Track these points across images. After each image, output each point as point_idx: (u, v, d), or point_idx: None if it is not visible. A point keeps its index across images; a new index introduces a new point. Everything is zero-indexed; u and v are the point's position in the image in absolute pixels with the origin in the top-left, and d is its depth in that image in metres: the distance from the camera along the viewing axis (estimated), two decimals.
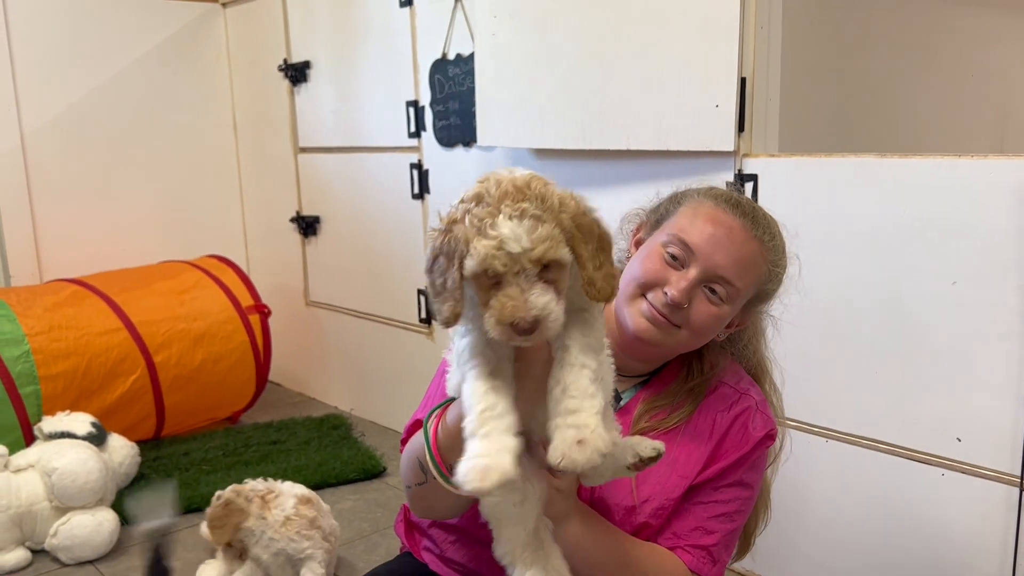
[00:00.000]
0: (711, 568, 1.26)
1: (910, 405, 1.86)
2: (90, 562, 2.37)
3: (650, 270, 1.22)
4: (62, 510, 2.38)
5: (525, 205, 0.86)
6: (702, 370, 1.31)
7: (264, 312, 3.41)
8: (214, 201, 3.97)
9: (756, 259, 1.23)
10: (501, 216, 0.85)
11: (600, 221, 0.93)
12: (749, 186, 2.04)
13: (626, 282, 1.25)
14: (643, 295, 1.23)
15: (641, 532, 1.26)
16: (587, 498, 1.27)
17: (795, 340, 2.02)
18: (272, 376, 3.64)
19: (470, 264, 0.86)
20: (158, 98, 3.77)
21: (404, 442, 1.34)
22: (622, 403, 1.32)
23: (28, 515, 2.36)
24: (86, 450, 2.46)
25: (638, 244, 1.31)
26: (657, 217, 1.30)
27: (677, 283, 1.19)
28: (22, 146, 3.40)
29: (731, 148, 2.02)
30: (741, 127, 2.01)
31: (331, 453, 3.08)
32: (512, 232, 0.84)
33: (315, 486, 2.84)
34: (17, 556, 2.34)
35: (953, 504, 1.81)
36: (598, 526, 1.19)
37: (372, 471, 2.97)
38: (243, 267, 3.78)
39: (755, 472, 1.32)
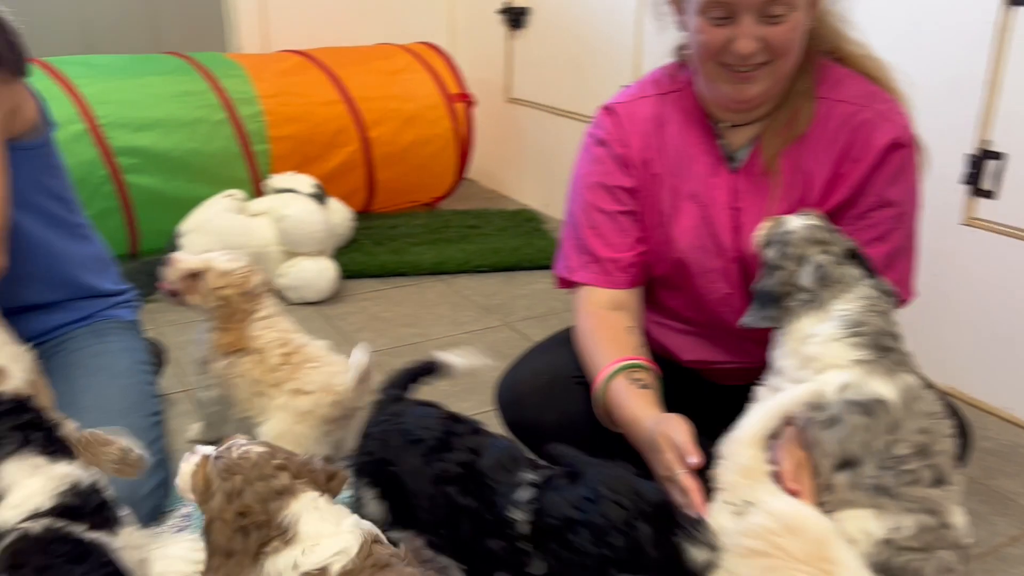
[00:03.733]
0: None
1: None
2: (312, 304, 2.62)
3: (709, 42, 1.24)
4: (289, 254, 2.62)
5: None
6: (803, 68, 1.31)
7: (469, 101, 3.46)
8: None
9: None
10: None
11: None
12: None
13: (699, 63, 1.29)
14: (720, 64, 1.25)
15: None
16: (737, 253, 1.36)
17: None
18: (466, 172, 3.73)
19: None
20: None
21: (563, 281, 1.49)
22: (740, 159, 1.35)
23: (262, 255, 2.61)
24: (311, 203, 2.66)
25: (679, 9, 1.31)
26: None
27: (741, 39, 1.20)
28: None
29: None
30: None
31: (525, 241, 3.17)
32: None
33: (510, 268, 2.98)
34: None
35: None
36: None
37: None
38: None
39: (897, 186, 1.29)
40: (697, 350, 1.48)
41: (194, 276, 1.60)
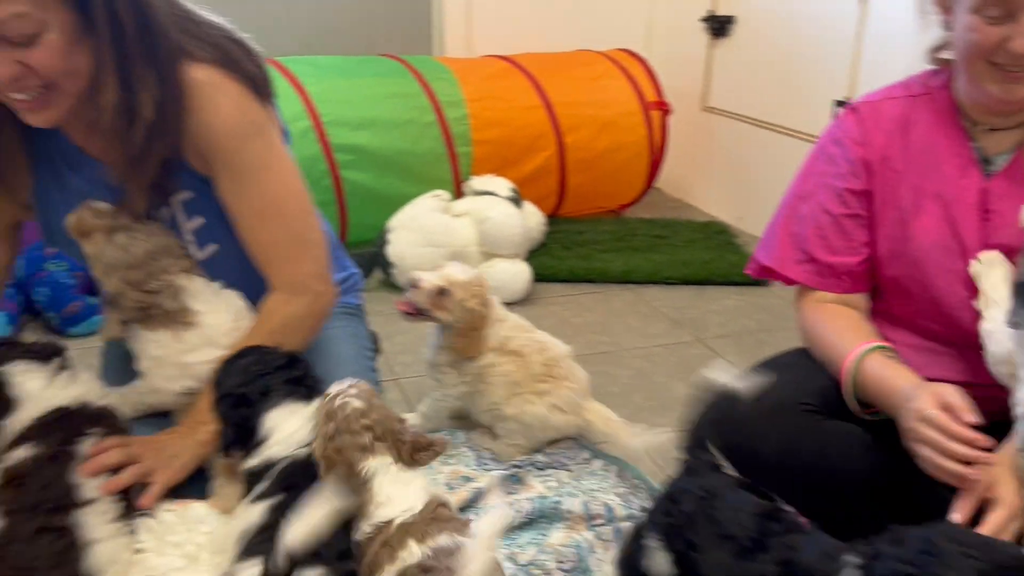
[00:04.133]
0: None
1: None
2: (506, 305, 2.68)
3: (982, 41, 1.21)
4: (487, 255, 2.70)
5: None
6: None
7: (665, 110, 3.44)
8: None
9: None
10: None
11: None
12: None
13: (966, 63, 1.26)
14: (990, 63, 1.22)
15: None
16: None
17: None
18: (655, 180, 3.70)
19: None
20: None
21: (765, 270, 1.50)
22: (999, 164, 1.31)
23: (461, 255, 2.70)
24: (511, 207, 2.74)
25: (945, 8, 1.28)
26: None
27: (1019, 38, 1.18)
28: None
29: None
30: None
31: (716, 255, 3.12)
32: None
33: (700, 282, 2.93)
34: None
35: None
36: None
37: (758, 279, 2.96)
38: None
39: None
40: (931, 370, 1.37)
41: (440, 293, 1.66)
